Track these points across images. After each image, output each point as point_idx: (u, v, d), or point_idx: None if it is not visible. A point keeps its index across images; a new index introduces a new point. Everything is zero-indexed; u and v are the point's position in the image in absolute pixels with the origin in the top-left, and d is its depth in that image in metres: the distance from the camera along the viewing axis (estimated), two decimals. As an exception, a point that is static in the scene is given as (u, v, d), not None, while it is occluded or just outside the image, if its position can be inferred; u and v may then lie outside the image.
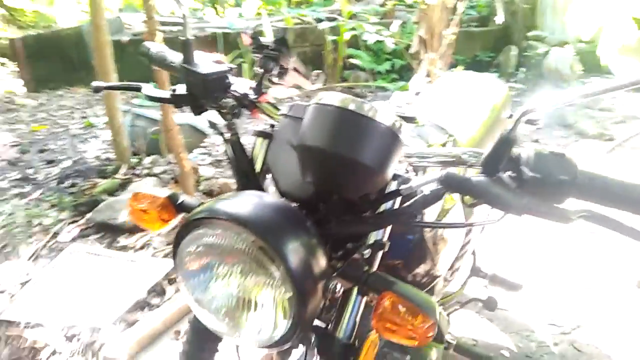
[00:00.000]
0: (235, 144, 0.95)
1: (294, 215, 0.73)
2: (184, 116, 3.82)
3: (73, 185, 3.67)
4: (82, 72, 6.60)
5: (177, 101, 0.99)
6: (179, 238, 0.75)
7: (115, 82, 3.55)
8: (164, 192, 0.89)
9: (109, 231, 2.99)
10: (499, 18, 5.46)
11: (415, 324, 0.70)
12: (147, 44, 1.15)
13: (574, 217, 0.67)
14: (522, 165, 0.67)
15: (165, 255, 2.76)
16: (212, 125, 1.04)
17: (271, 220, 0.70)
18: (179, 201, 0.88)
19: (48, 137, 4.94)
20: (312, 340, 0.83)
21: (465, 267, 1.93)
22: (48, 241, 2.97)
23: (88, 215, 3.14)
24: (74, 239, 2.96)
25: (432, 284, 1.09)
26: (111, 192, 3.37)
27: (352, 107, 0.72)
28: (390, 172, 0.76)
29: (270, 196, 0.77)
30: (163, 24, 4.46)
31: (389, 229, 0.82)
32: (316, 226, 0.74)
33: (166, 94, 1.01)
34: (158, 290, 2.50)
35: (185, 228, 0.73)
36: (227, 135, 0.96)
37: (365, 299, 0.82)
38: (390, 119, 0.73)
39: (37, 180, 3.90)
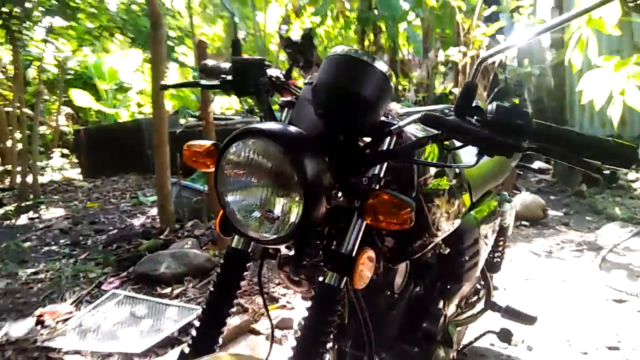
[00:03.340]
0: (268, 117, 1.18)
1: (309, 139, 0.94)
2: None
3: (118, 247, 3.93)
4: (135, 160, 7.16)
5: (225, 86, 1.23)
6: (221, 154, 0.95)
7: (168, 159, 3.96)
8: (211, 142, 1.10)
9: (149, 282, 3.18)
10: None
11: (399, 213, 0.87)
12: (205, 61, 1.43)
13: (525, 146, 0.86)
14: (486, 113, 0.87)
15: (198, 303, 2.89)
16: (250, 110, 1.28)
17: (292, 137, 0.92)
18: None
19: (99, 212, 5.32)
20: (320, 254, 1.00)
21: (480, 300, 2.00)
22: (91, 290, 3.18)
23: (130, 270, 3.35)
24: (115, 288, 3.14)
25: (428, 245, 1.23)
26: (153, 251, 3.59)
27: (354, 54, 0.95)
28: (382, 108, 0.98)
29: (293, 127, 0.98)
30: (215, 118, 4.98)
31: (384, 165, 1.00)
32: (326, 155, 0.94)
33: (216, 82, 1.26)
34: (189, 331, 2.62)
35: (227, 143, 0.94)
36: (261, 114, 1.20)
37: (364, 223, 0.99)
38: (384, 67, 0.96)
39: (86, 245, 4.19)
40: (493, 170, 1.90)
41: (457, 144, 0.94)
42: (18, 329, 2.66)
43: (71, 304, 2.98)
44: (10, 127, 7.47)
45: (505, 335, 1.92)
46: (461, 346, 1.96)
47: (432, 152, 1.21)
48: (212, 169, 1.06)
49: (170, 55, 9.59)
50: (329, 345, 1.02)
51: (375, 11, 8.01)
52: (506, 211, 1.93)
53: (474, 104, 0.90)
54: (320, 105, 0.98)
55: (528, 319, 1.97)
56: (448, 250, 1.49)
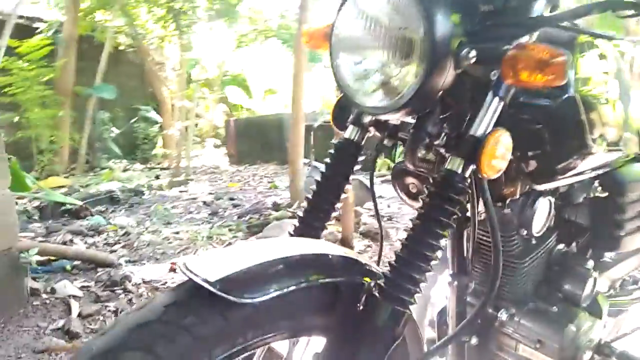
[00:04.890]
0: None
1: None
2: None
3: (251, 218, 4.10)
4: (276, 151, 7.50)
5: None
6: (340, 9, 0.88)
7: (302, 137, 4.06)
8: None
9: (273, 246, 3.25)
10: None
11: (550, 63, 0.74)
12: None
13: None
14: None
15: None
16: None
17: None
18: None
19: (238, 192, 5.64)
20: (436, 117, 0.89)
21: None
22: (223, 248, 3.35)
23: (259, 234, 3.47)
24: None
25: (579, 164, 1.02)
26: (280, 220, 3.69)
27: None
28: None
29: None
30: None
31: (534, 35, 0.85)
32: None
33: None
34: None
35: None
36: None
37: (501, 103, 0.84)
38: None
39: (223, 215, 4.46)
40: None
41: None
42: (154, 271, 2.89)
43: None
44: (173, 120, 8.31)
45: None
46: (610, 338, 1.62)
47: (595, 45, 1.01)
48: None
49: (315, 58, 9.95)
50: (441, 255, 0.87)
51: None
52: None
53: None
54: None
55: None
56: (606, 194, 1.22)
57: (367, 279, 0.87)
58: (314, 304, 0.85)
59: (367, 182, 4.76)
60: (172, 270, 2.88)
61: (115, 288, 2.64)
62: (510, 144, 0.85)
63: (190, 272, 0.71)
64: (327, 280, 0.82)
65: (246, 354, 0.80)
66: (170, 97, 8.22)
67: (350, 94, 0.91)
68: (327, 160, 1.07)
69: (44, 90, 6.10)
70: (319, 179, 1.08)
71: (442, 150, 0.90)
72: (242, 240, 3.50)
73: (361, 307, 0.84)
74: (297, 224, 1.05)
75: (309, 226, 1.05)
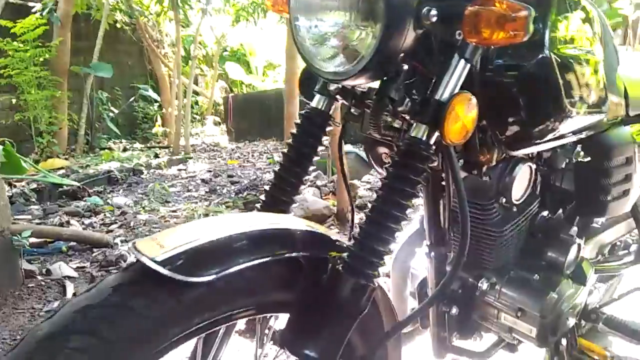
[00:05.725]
0: None
1: None
2: (351, 148, 4.11)
3: (248, 195, 4.10)
4: (275, 127, 7.43)
5: None
6: None
7: (297, 109, 4.00)
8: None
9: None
10: None
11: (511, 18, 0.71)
12: None
13: None
14: None
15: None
16: None
17: None
18: None
19: (237, 168, 5.62)
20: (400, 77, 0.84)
21: (630, 254, 1.64)
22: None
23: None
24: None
25: (557, 128, 0.98)
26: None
27: None
28: None
29: None
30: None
31: None
32: None
33: None
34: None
35: None
36: None
37: (467, 66, 0.81)
38: None
39: (221, 193, 4.45)
40: None
41: None
42: (149, 250, 2.88)
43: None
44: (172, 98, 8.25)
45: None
46: (600, 303, 1.60)
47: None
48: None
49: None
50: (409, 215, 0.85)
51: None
52: None
53: None
54: None
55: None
56: (588, 158, 1.17)
57: (333, 253, 0.85)
58: (275, 280, 0.83)
59: (364, 155, 4.76)
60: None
61: (111, 268, 2.65)
62: (476, 108, 0.82)
63: (139, 252, 0.69)
64: (288, 255, 0.81)
65: (210, 331, 0.79)
66: (168, 74, 8.16)
67: (310, 59, 0.87)
68: (294, 131, 1.05)
69: (41, 71, 6.06)
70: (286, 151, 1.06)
71: (407, 117, 0.87)
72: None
73: (325, 282, 0.83)
74: (264, 198, 1.03)
75: (277, 200, 1.03)
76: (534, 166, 1.14)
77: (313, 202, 3.29)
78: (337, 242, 0.87)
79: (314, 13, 0.85)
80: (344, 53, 0.84)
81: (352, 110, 1.04)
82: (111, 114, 7.62)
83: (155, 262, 0.67)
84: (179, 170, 5.55)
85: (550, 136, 0.98)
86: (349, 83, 0.92)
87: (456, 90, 0.81)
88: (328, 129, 1.05)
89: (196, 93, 9.76)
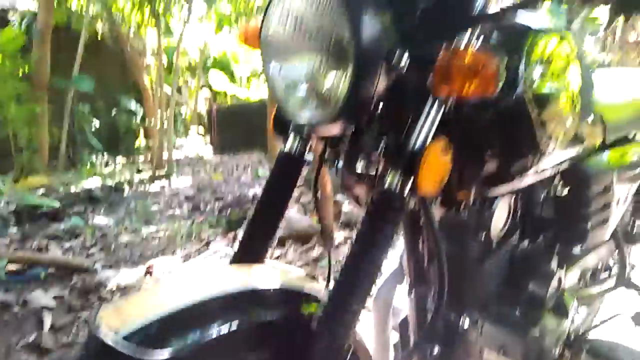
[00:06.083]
0: None
1: None
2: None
3: (231, 212, 4.05)
4: (260, 139, 7.40)
5: None
6: (266, 10, 0.81)
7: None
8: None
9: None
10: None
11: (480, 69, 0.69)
12: None
13: None
14: None
15: (299, 266, 2.85)
16: None
17: None
18: None
19: (221, 183, 5.57)
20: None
21: (611, 277, 1.64)
22: (201, 247, 3.30)
23: (237, 230, 3.43)
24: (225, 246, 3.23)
25: (533, 166, 0.96)
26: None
27: None
28: None
29: None
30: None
31: (475, 33, 0.77)
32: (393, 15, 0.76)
33: None
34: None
35: None
36: None
37: (441, 110, 0.78)
38: None
39: (205, 210, 4.40)
40: (638, 111, 1.49)
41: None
42: (129, 276, 2.83)
43: (181, 257, 3.12)
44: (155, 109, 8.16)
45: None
46: (583, 330, 1.59)
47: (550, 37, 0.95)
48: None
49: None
50: (383, 268, 0.83)
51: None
52: None
53: None
54: None
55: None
56: (566, 190, 1.17)
57: (306, 310, 0.82)
58: (246, 345, 0.80)
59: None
60: (148, 273, 2.83)
61: (90, 295, 2.60)
62: (450, 154, 0.80)
63: (97, 327, 0.66)
64: (258, 320, 0.78)
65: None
66: (151, 85, 8.09)
67: (282, 103, 0.84)
68: (269, 175, 1.02)
69: (20, 85, 5.95)
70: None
71: (381, 164, 0.84)
72: (222, 235, 3.45)
73: (299, 342, 0.80)
74: (238, 248, 0.99)
75: (251, 250, 0.99)
76: (512, 199, 1.13)
77: (298, 220, 3.26)
78: (311, 296, 0.84)
79: (285, 56, 0.82)
80: (316, 98, 0.80)
81: (327, 152, 1.01)
82: (93, 128, 7.53)
83: (114, 338, 0.64)
84: (162, 187, 5.48)
85: (527, 174, 0.97)
86: (322, 129, 0.90)
87: (430, 137, 0.79)
88: (302, 169, 1.03)
89: (178, 104, 9.68)
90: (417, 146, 0.78)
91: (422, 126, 0.79)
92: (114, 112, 8.08)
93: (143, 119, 8.33)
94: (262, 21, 0.83)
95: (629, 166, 1.35)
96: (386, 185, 0.79)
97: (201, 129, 9.85)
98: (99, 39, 7.66)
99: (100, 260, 3.12)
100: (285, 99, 0.83)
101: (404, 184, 0.78)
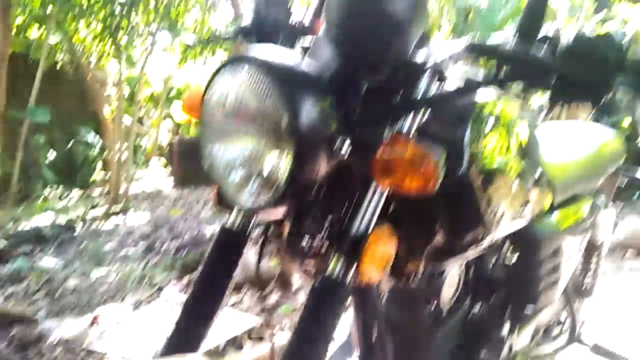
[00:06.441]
0: None
1: (312, 74, 0.75)
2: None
3: (188, 253, 3.92)
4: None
5: (243, 33, 1.00)
6: (206, 88, 0.78)
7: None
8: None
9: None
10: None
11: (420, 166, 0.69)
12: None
13: (616, 87, 0.61)
14: (560, 39, 0.65)
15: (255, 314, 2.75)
16: None
17: (289, 69, 0.73)
18: None
19: (180, 220, 5.41)
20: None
21: (563, 333, 1.64)
22: (152, 293, 3.15)
23: (193, 274, 3.30)
24: (178, 292, 3.10)
25: (481, 240, 0.95)
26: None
27: None
28: (413, 34, 0.75)
29: (298, 57, 0.79)
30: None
31: (417, 118, 0.77)
32: (338, 106, 0.74)
33: (233, 32, 1.05)
34: (237, 344, 2.46)
35: (214, 75, 0.77)
36: None
37: (383, 195, 0.78)
38: None
39: (160, 250, 4.24)
40: (585, 168, 1.52)
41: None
42: (74, 327, 2.67)
43: (131, 304, 2.97)
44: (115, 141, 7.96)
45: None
46: None
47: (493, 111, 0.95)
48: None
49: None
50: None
51: None
52: (600, 223, 1.54)
53: (542, 31, 0.67)
54: (330, 26, 0.78)
55: (619, 360, 1.57)
56: (516, 255, 1.19)
57: None
58: None
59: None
60: (94, 323, 2.68)
61: (29, 350, 2.42)
62: (394, 243, 0.79)
63: None
64: None
65: None
66: (111, 116, 7.90)
67: (222, 185, 0.81)
68: (209, 252, 0.96)
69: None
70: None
71: (324, 249, 0.83)
72: (176, 280, 3.31)
73: None
74: (171, 335, 0.93)
75: (187, 336, 0.93)
76: (462, 267, 1.14)
77: (255, 263, 3.16)
78: None
79: (224, 136, 0.79)
80: (256, 182, 0.77)
81: (271, 229, 0.99)
82: (48, 160, 7.27)
83: None
84: (116, 224, 5.27)
85: (474, 247, 0.97)
86: (263, 213, 0.88)
87: (373, 223, 0.78)
88: (244, 248, 0.97)
89: (139, 135, 9.50)
90: (360, 232, 0.77)
91: (365, 211, 0.78)
92: (71, 144, 7.84)
93: (102, 150, 8.11)
94: (203, 96, 0.80)
95: (575, 223, 1.38)
96: (329, 271, 0.77)
97: (163, 161, 9.66)
98: (59, 68, 7.46)
99: (43, 309, 2.93)
100: (224, 180, 0.80)
101: (348, 269, 0.76)
